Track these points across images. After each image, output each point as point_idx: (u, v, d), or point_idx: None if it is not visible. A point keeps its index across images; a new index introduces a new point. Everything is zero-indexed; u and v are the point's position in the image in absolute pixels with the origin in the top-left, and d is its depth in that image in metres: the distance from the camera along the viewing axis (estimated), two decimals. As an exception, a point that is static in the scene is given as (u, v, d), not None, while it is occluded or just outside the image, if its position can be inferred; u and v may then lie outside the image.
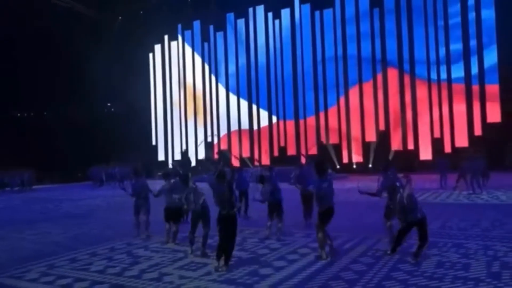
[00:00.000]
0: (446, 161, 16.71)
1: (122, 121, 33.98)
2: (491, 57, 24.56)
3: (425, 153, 25.60)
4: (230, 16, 32.57)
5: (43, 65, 30.34)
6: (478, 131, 24.55)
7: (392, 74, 27.13)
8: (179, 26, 34.77)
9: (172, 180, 8.40)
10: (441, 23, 25.98)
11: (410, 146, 26.23)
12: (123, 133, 32.64)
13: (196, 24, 34.06)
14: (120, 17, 35.06)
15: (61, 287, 5.90)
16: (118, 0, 33.22)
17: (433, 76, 26.16)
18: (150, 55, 36.48)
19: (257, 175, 11.31)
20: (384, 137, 26.87)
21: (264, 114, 31.27)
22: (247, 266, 6.43)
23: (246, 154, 31.65)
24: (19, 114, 35.02)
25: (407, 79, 26.71)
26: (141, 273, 6.37)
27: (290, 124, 30.06)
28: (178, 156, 34.93)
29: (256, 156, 31.14)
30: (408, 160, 24.99)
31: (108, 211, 14.01)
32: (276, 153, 30.34)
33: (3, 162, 26.30)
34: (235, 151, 32.13)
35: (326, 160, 15.57)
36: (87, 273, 6.52)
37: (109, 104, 36.66)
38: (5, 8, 27.35)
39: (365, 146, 27.39)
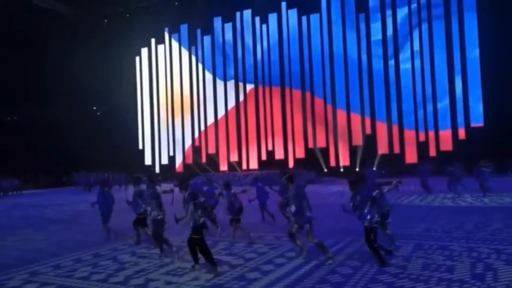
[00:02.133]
0: (426, 167, 17.05)
1: (108, 125, 33.58)
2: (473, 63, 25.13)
3: (411, 157, 25.95)
4: (218, 20, 32.59)
5: (27, 69, 29.86)
6: (462, 135, 25.02)
7: (377, 76, 27.48)
8: (166, 29, 34.65)
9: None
10: (425, 24, 26.48)
11: (396, 150, 26.58)
12: (109, 137, 32.24)
13: (184, 27, 33.98)
14: (106, 20, 34.75)
15: (44, 294, 5.77)
16: (104, 3, 32.94)
17: (418, 82, 26.60)
18: (137, 58, 36.21)
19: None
20: (370, 141, 27.17)
21: (252, 118, 31.29)
22: (234, 271, 6.40)
23: (234, 158, 31.60)
24: (2, 119, 34.31)
25: (391, 83, 27.09)
26: (127, 279, 6.27)
27: (278, 128, 30.14)
28: (165, 161, 34.71)
29: (244, 160, 31.13)
30: (395, 163, 25.31)
31: (93, 217, 13.76)
32: (264, 157, 30.36)
33: None
34: (222, 155, 32.06)
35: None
36: (71, 280, 6.39)
37: (94, 108, 36.20)
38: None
39: (352, 149, 27.63)
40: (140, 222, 8.46)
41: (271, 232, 9.34)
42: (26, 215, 15.22)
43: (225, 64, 32.53)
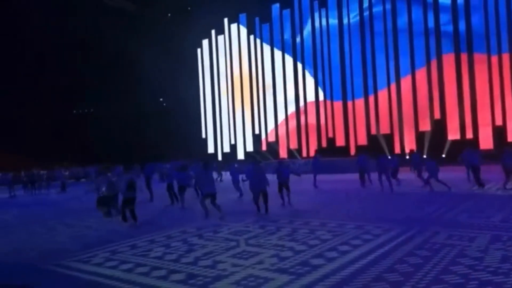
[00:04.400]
0: (366, 157, 16.22)
1: (173, 116, 35.24)
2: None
3: (486, 142, 24.03)
4: (276, 7, 32.41)
5: (95, 64, 32.06)
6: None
7: (449, 57, 25.59)
8: (226, 20, 35.17)
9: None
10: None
11: (469, 135, 24.75)
12: (175, 127, 33.84)
13: (242, 17, 34.29)
14: (169, 14, 36.14)
15: (123, 271, 6.28)
16: (167, -2, 34.27)
17: (494, 53, 24.30)
18: (198, 50, 37.29)
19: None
20: (439, 126, 25.57)
21: (311, 105, 30.92)
22: (298, 256, 6.47)
23: (293, 145, 31.56)
24: (77, 111, 37.34)
25: (464, 62, 25.08)
26: (196, 260, 6.61)
27: (339, 114, 29.47)
28: (227, 149, 35.62)
29: (304, 147, 30.98)
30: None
31: (162, 201, 14.61)
32: (324, 144, 29.95)
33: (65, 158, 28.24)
34: (282, 142, 32.17)
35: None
36: (146, 259, 6.89)
37: (161, 99, 38.10)
38: (57, 9, 29.03)
39: (419, 136, 26.24)
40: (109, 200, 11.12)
41: (334, 220, 9.26)
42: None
43: (283, 51, 32.36)
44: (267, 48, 33.38)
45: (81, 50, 31.98)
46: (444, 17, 25.66)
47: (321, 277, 5.47)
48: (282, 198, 11.89)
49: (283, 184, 11.79)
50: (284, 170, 12.08)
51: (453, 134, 25.15)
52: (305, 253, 6.65)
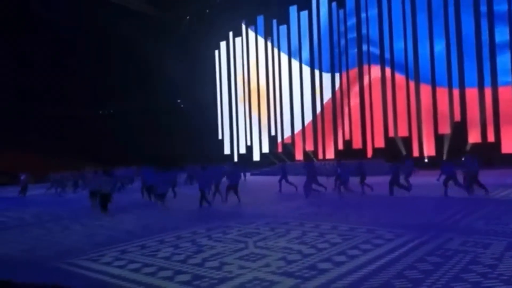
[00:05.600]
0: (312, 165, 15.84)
1: (191, 117, 35.56)
2: None
3: (508, 146, 23.29)
4: (293, 8, 32.31)
5: (114, 66, 32.60)
6: None
7: (469, 52, 24.92)
8: (243, 22, 35.28)
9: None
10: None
11: (490, 138, 24.03)
12: (192, 128, 34.13)
13: (260, 19, 34.32)
14: (188, 17, 36.54)
15: (131, 271, 6.33)
16: (186, 1, 34.62)
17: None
18: (216, 52, 37.52)
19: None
20: (459, 128, 24.92)
21: (328, 106, 30.66)
22: (305, 260, 6.38)
23: (309, 148, 31.36)
24: (100, 112, 38.05)
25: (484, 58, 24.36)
26: (204, 261, 6.61)
27: (356, 116, 29.12)
28: (243, 150, 35.67)
29: (320, 149, 30.73)
30: (487, 153, 22.88)
31: (176, 202, 14.72)
32: (341, 147, 29.64)
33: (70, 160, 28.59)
34: (298, 144, 32.01)
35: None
36: (154, 259, 6.93)
37: (179, 101, 38.51)
38: (79, 12, 29.66)
39: (438, 138, 25.64)
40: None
41: (345, 223, 9.12)
42: (118, 199, 16.75)
43: (300, 53, 32.21)
44: (284, 50, 33.28)
45: (92, 49, 32.47)
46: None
47: (327, 282, 5.38)
48: (226, 197, 13.71)
49: (232, 186, 13.47)
50: (235, 172, 14.24)
51: (473, 137, 24.48)
52: (313, 256, 6.56)
